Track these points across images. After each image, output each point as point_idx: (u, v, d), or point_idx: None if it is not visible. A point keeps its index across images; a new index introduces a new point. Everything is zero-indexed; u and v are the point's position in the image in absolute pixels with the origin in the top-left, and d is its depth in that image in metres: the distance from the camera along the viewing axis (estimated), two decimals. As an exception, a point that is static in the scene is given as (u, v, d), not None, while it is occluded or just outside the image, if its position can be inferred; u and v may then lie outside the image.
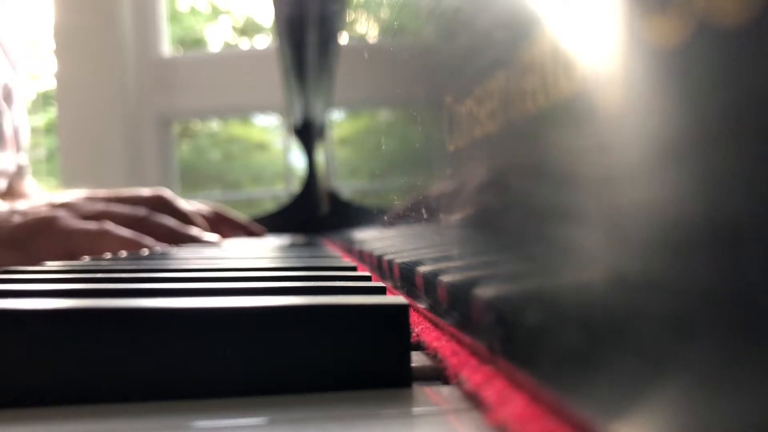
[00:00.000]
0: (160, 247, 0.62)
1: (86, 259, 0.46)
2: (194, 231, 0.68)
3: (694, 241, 0.08)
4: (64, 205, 0.62)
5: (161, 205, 0.69)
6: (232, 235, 0.86)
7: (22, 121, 0.84)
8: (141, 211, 0.65)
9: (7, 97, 0.78)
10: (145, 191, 0.71)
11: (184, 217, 0.70)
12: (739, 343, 0.08)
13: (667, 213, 0.09)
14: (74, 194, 0.66)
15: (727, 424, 0.08)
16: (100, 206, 0.64)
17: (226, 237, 0.83)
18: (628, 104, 0.10)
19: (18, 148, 0.82)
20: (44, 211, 0.60)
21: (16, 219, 0.59)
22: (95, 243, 0.58)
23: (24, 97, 0.86)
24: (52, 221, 0.58)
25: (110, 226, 0.59)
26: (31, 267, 0.34)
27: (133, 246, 0.59)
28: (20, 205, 0.63)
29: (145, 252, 0.57)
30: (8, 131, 0.77)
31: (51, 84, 1.95)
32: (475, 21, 0.17)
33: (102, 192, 0.68)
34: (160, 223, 0.65)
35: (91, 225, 0.59)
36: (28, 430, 0.14)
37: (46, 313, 0.16)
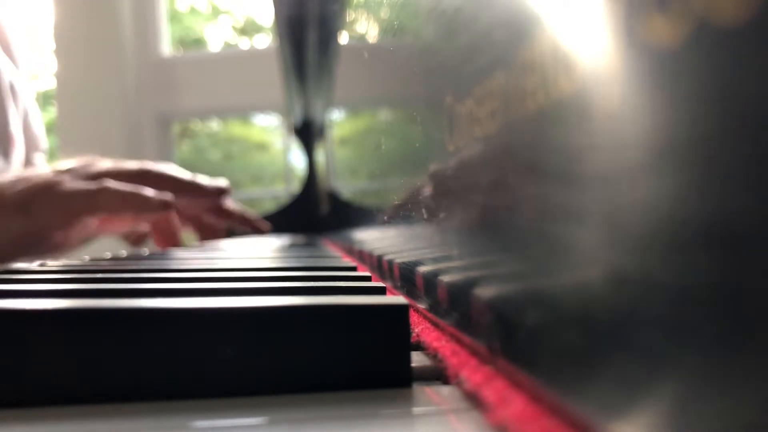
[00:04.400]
0: (163, 195, 0.61)
1: (86, 259, 0.46)
2: (200, 179, 0.68)
3: (693, 240, 0.08)
4: (67, 171, 0.62)
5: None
6: (239, 227, 0.86)
7: (34, 116, 0.84)
8: (146, 165, 0.64)
9: (14, 97, 0.78)
10: (153, 165, 0.70)
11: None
12: (739, 343, 0.08)
13: (667, 212, 0.09)
14: (77, 161, 0.65)
15: (727, 424, 0.08)
16: (104, 167, 0.63)
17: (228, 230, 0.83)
18: (627, 104, 0.10)
19: (30, 147, 0.81)
20: (47, 176, 0.60)
21: (19, 185, 0.59)
22: (96, 201, 0.58)
23: (30, 92, 0.86)
24: (55, 185, 0.58)
25: (110, 183, 0.59)
26: (32, 267, 0.34)
27: (134, 198, 0.59)
28: (23, 174, 0.63)
29: (145, 252, 0.57)
30: (16, 133, 0.77)
31: (51, 84, 1.95)
32: (475, 21, 0.17)
33: (107, 160, 0.68)
34: (162, 172, 0.64)
35: (92, 185, 0.59)
36: (28, 430, 0.14)
37: (46, 313, 0.16)
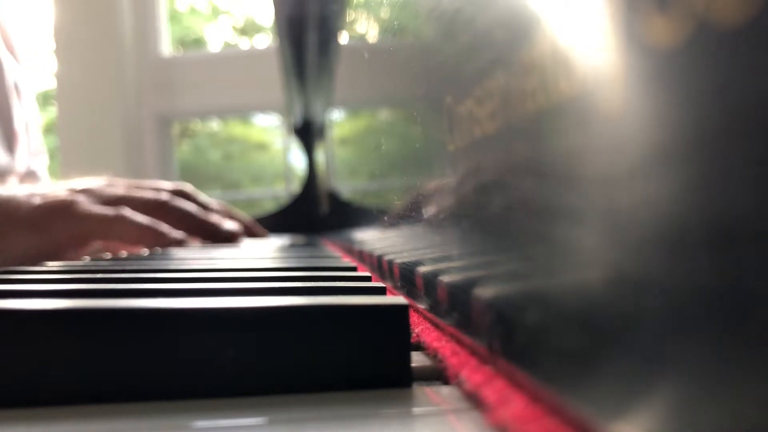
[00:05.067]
0: (176, 233, 0.61)
1: (87, 259, 0.46)
2: (214, 218, 0.68)
3: (693, 241, 0.08)
4: (84, 191, 0.61)
5: (182, 195, 0.68)
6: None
7: (33, 117, 0.84)
8: (163, 196, 0.64)
9: (18, 95, 0.78)
10: (167, 184, 0.70)
11: (205, 208, 0.70)
12: (739, 343, 0.08)
13: (667, 213, 0.09)
14: (95, 181, 0.65)
15: (727, 424, 0.08)
16: (121, 191, 0.63)
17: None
18: (627, 104, 0.10)
19: (31, 146, 0.81)
20: (63, 195, 0.60)
21: (35, 201, 0.58)
22: (110, 228, 0.58)
23: (32, 92, 0.86)
24: (71, 205, 0.58)
25: (127, 212, 0.59)
26: (32, 267, 0.34)
27: (149, 233, 0.59)
28: (39, 188, 0.62)
29: (146, 252, 0.57)
30: (20, 129, 0.77)
31: (51, 84, 1.95)
32: (475, 21, 0.17)
33: (123, 181, 0.67)
34: (180, 207, 0.64)
35: (108, 210, 0.59)
36: (28, 430, 0.14)
37: (46, 313, 0.16)
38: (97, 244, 0.62)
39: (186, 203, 0.66)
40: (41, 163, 0.85)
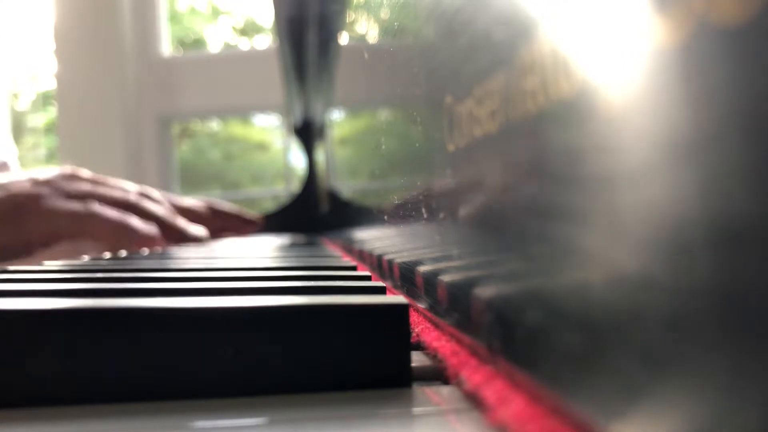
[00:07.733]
0: (148, 229, 0.60)
1: (85, 258, 0.45)
2: (180, 222, 0.66)
3: (694, 241, 0.08)
4: (47, 183, 0.59)
5: (149, 198, 0.66)
6: (229, 227, 0.84)
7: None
8: (131, 196, 0.62)
9: None
10: (133, 185, 0.68)
11: (172, 210, 0.69)
12: (739, 344, 0.08)
13: (668, 213, 0.09)
14: (57, 171, 0.62)
15: (727, 424, 0.08)
16: (87, 187, 0.61)
17: (223, 230, 0.82)
18: (627, 104, 0.10)
19: None
20: (27, 188, 0.57)
21: None
22: (81, 224, 0.57)
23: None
24: (37, 200, 0.56)
25: (97, 207, 0.57)
26: (31, 267, 0.34)
27: (120, 229, 0.57)
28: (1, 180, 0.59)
29: (145, 252, 0.57)
30: None
31: (51, 84, 1.95)
32: (475, 21, 0.17)
33: (87, 173, 0.65)
34: (147, 209, 0.62)
35: (77, 206, 0.57)
36: (28, 430, 0.14)
37: (46, 313, 0.16)
38: (66, 244, 0.60)
39: (153, 205, 0.64)
40: (11, 154, 0.83)
